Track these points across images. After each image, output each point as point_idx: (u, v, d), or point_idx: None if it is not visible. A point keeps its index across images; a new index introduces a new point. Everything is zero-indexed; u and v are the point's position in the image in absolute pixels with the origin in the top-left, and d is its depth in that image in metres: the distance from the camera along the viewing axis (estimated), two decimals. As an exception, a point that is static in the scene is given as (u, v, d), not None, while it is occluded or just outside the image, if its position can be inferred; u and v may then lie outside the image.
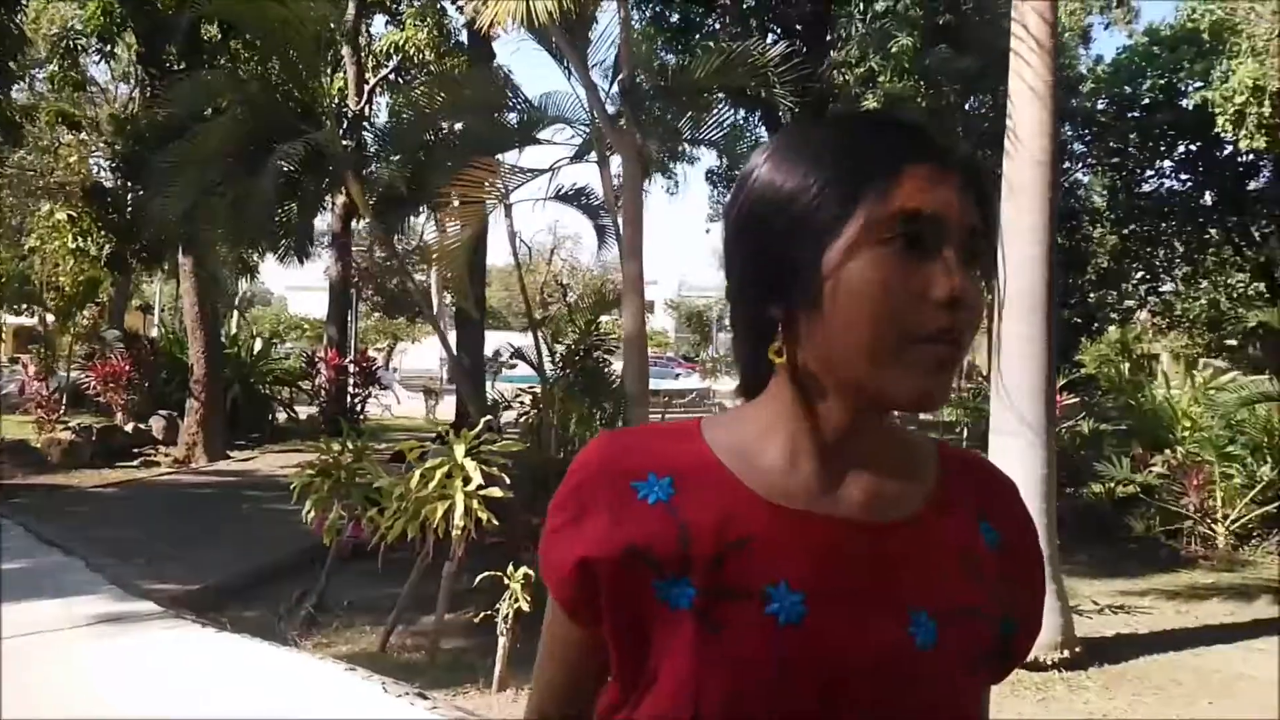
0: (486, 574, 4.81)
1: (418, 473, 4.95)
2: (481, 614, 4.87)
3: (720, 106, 9.19)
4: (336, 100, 13.21)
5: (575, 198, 9.41)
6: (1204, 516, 8.22)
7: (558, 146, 8.76)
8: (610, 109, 7.98)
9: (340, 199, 14.57)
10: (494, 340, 14.80)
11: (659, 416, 9.81)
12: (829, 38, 14.54)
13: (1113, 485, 8.84)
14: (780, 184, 0.76)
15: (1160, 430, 9.34)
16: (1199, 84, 18.09)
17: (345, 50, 15.25)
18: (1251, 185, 21.96)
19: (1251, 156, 19.64)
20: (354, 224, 17.53)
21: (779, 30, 14.66)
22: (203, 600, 6.08)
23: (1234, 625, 5.93)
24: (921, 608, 0.78)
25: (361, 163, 10.09)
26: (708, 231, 24.49)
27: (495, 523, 5.20)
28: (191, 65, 10.88)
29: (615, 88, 8.04)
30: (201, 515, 9.15)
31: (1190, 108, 18.14)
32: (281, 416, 16.43)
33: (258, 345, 17.02)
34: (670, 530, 0.77)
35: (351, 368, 16.65)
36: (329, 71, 12.63)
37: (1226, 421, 8.67)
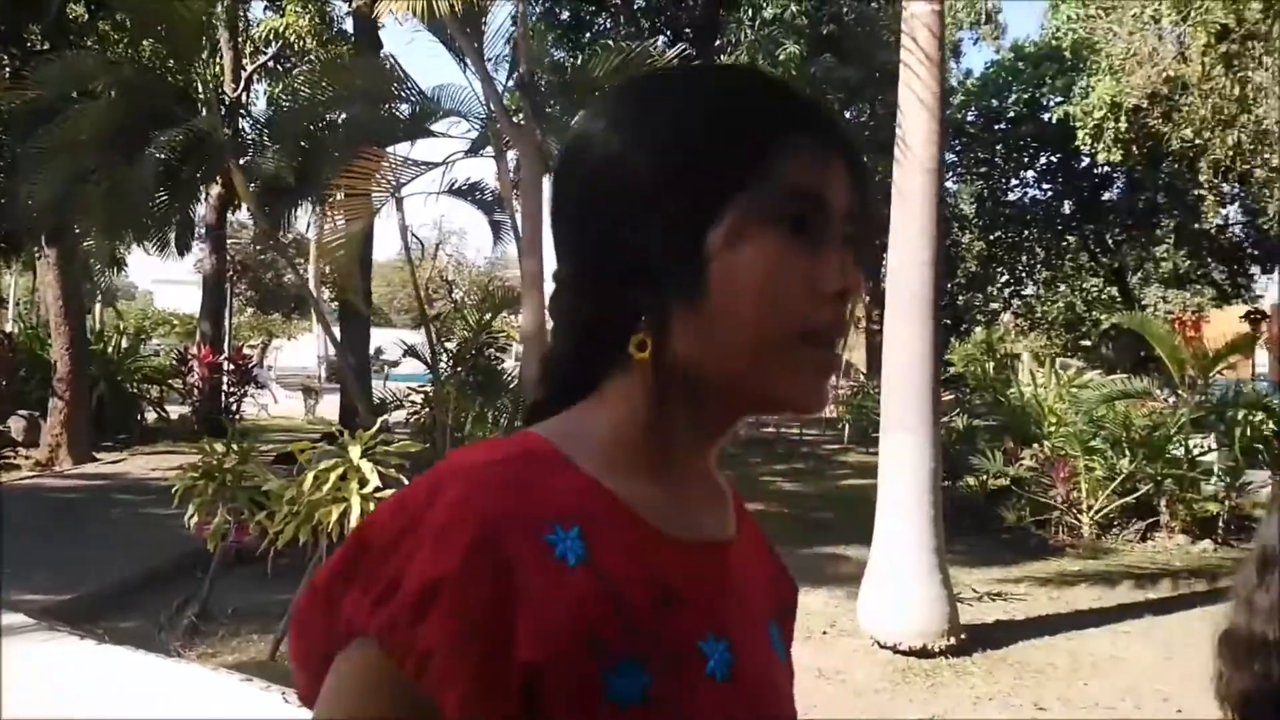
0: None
1: (310, 475, 4.79)
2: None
3: (616, 106, 9.23)
4: (213, 87, 12.62)
5: (470, 192, 9.28)
6: (1070, 507, 8.75)
7: (452, 140, 8.63)
8: (506, 104, 7.90)
9: (215, 189, 13.94)
10: (377, 338, 14.45)
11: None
12: (718, 43, 14.79)
13: (986, 478, 9.31)
14: (641, 145, 0.64)
15: (1029, 426, 9.87)
16: (1060, 99, 19.27)
17: (222, 35, 14.59)
18: (1106, 196, 23.59)
19: (1107, 169, 21.05)
20: (229, 215, 16.80)
21: (669, 33, 14.82)
22: (76, 610, 5.72)
23: (1101, 609, 6.32)
24: (772, 619, 0.75)
25: (240, 151, 9.67)
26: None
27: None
28: (57, 46, 10.21)
29: (512, 82, 7.96)
30: (69, 520, 8.59)
31: (1052, 121, 19.26)
32: (151, 416, 15.59)
33: (125, 341, 16.10)
34: (605, 601, 0.60)
35: (226, 365, 15.95)
36: (205, 57, 12.04)
37: (1089, 417, 9.23)
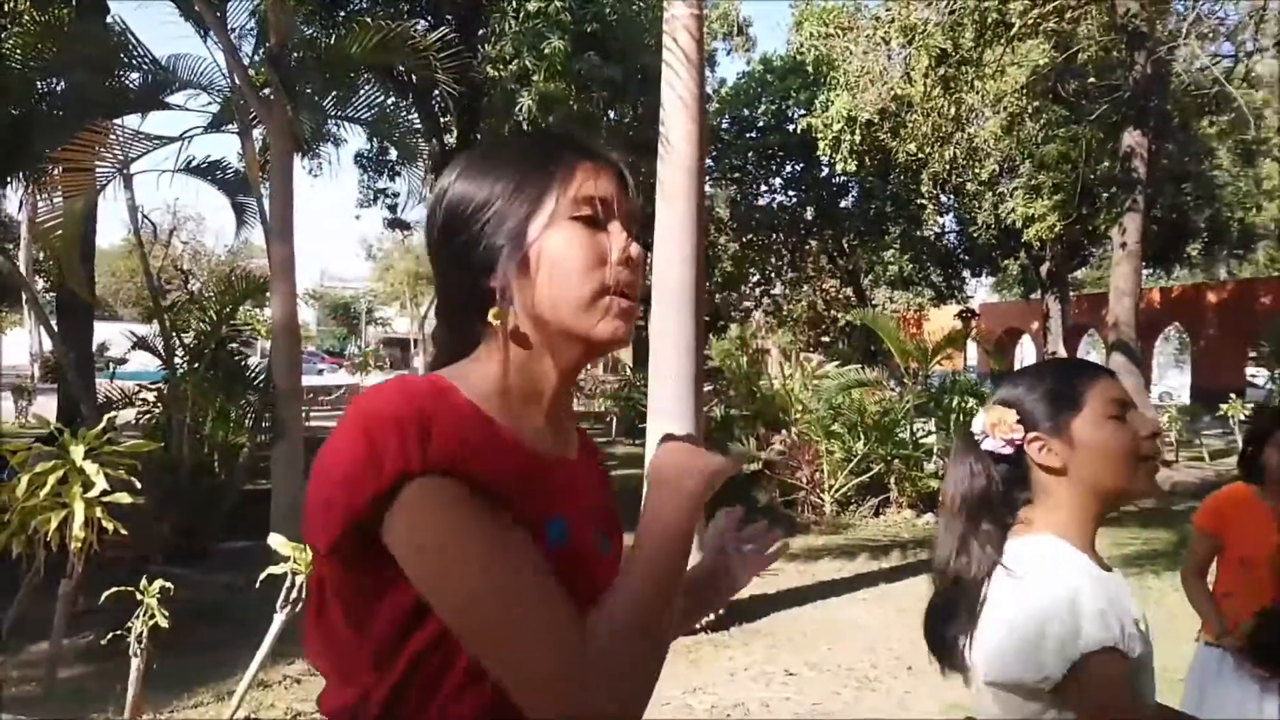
0: (113, 590, 4.21)
1: (24, 479, 4.21)
2: (109, 635, 4.26)
3: (369, 87, 8.83)
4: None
5: (210, 171, 8.52)
6: (814, 487, 9.43)
7: (190, 113, 7.90)
8: (253, 77, 7.35)
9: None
10: (102, 332, 12.98)
11: (303, 414, 9.20)
12: (481, 31, 14.59)
13: (741, 463, 9.82)
14: (481, 186, 0.94)
15: (779, 414, 10.53)
16: (804, 112, 20.66)
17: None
18: (843, 204, 25.57)
19: (844, 178, 22.83)
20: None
21: (430, 18, 14.42)
22: None
23: (842, 580, 6.86)
24: (599, 526, 1.00)
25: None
26: (358, 218, 23.56)
27: (123, 532, 4.58)
28: None
29: (259, 56, 7.42)
30: None
31: (797, 132, 20.62)
32: None
33: None
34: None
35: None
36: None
37: (829, 405, 9.99)
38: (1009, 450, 1.38)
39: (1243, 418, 13.81)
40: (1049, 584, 1.27)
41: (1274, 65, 18.41)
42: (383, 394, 0.86)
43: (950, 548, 1.40)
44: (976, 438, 1.42)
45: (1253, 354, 25.56)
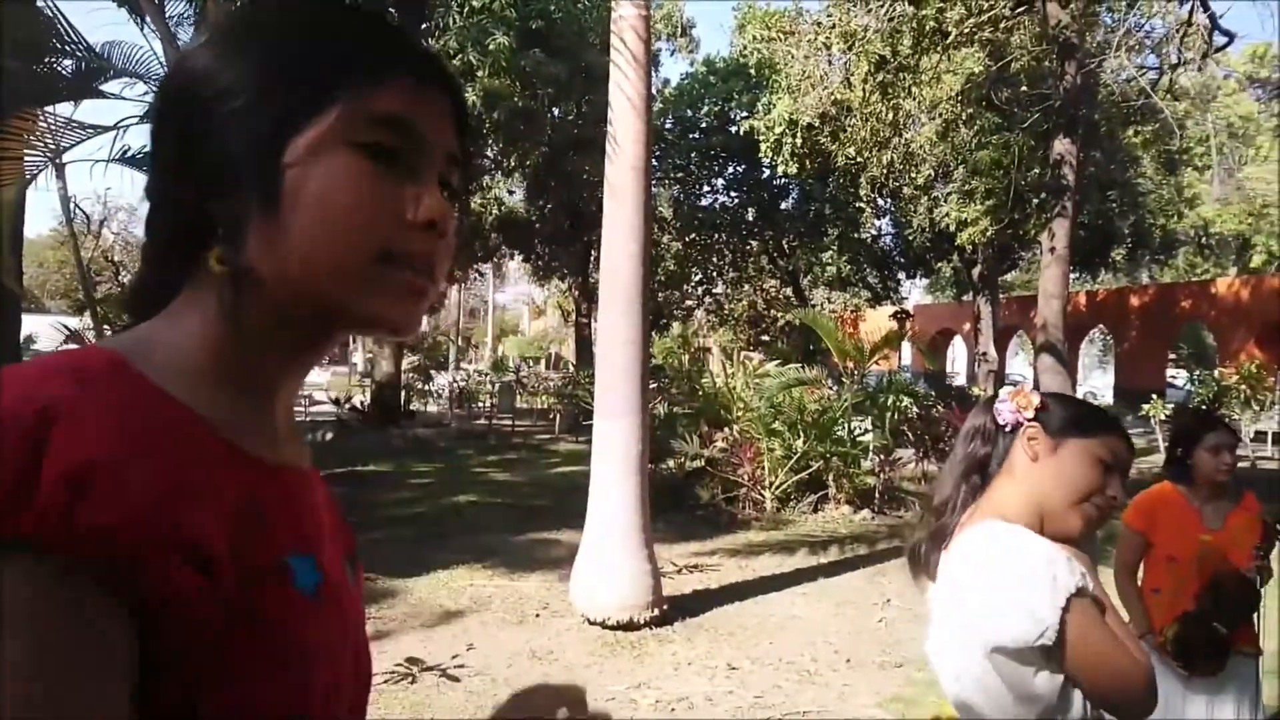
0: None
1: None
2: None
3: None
4: None
5: (145, 161, 8.30)
6: (755, 484, 9.57)
7: (126, 102, 7.71)
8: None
9: None
10: (29, 324, 12.59)
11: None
12: (424, 26, 14.46)
13: (684, 460, 9.93)
14: (230, 65, 0.64)
15: (721, 412, 10.66)
16: (746, 114, 20.88)
17: None
18: (784, 205, 25.92)
19: (785, 180, 23.14)
20: None
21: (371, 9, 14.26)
22: None
23: (782, 574, 6.99)
24: (341, 551, 0.75)
25: None
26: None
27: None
28: None
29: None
30: None
31: (739, 134, 20.82)
32: None
33: None
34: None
35: None
36: None
37: (770, 403, 10.15)
38: (1010, 423, 1.57)
39: (1163, 417, 14.38)
40: (1021, 551, 1.43)
41: (1197, 78, 19.17)
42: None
43: (947, 490, 1.62)
44: (997, 403, 1.60)
45: (1173, 356, 26.61)
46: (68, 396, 0.54)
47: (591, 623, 5.55)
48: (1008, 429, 1.57)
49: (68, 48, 7.25)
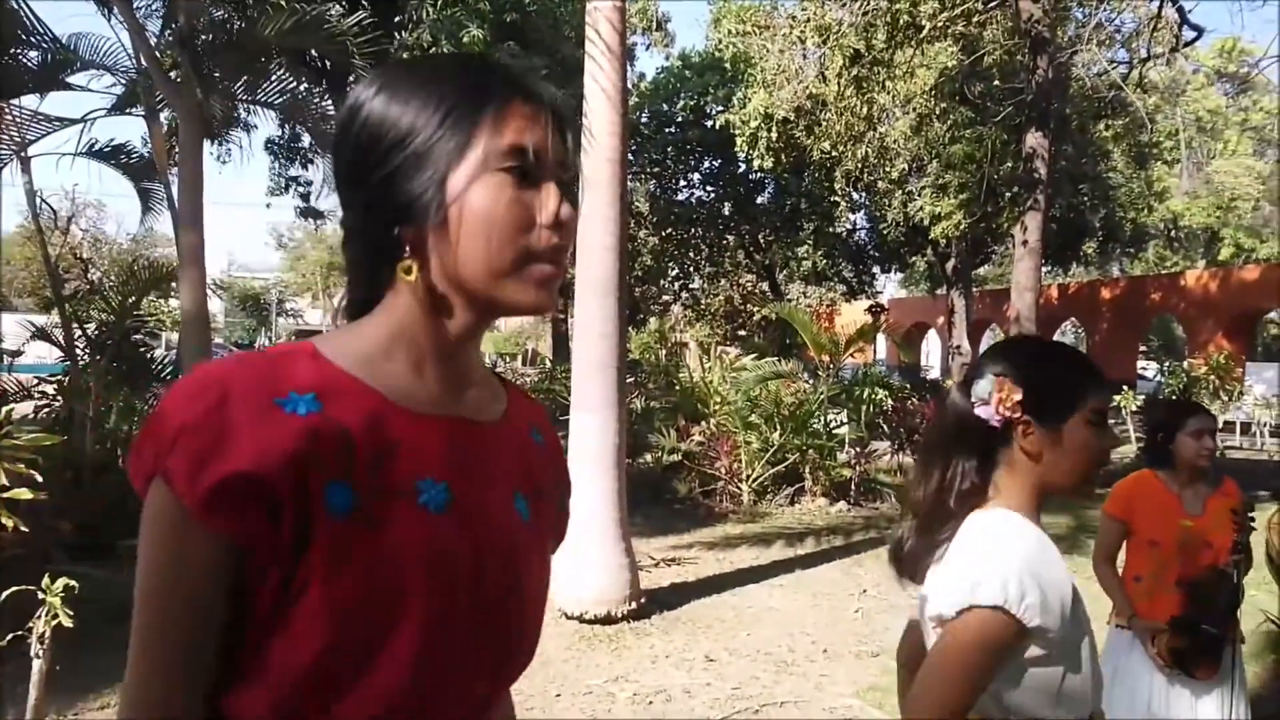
0: (12, 590, 4.05)
1: (-86, 475, 4.01)
2: (9, 636, 4.09)
3: (282, 71, 8.59)
4: None
5: (113, 155, 8.19)
6: (732, 477, 9.59)
7: (92, 94, 7.58)
8: (160, 59, 7.08)
9: None
10: (-6, 321, 12.37)
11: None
12: (398, 19, 14.33)
13: (662, 454, 9.94)
14: (399, 116, 0.84)
15: (698, 406, 10.67)
16: (722, 108, 20.88)
17: None
18: (759, 200, 25.95)
19: (760, 174, 23.17)
20: None
21: (346, 3, 14.09)
22: None
23: (759, 567, 7.01)
24: (518, 490, 0.95)
25: None
26: (269, 206, 22.92)
27: (23, 530, 4.40)
28: None
29: (168, 36, 7.15)
30: None
31: (714, 128, 20.81)
32: None
33: None
34: (330, 435, 0.79)
35: None
36: None
37: (747, 396, 10.17)
38: (998, 422, 1.44)
39: (1134, 409, 14.55)
40: (970, 536, 1.40)
41: (1166, 72, 19.38)
42: (192, 378, 0.80)
43: (930, 490, 1.49)
44: (975, 401, 1.46)
45: (1143, 348, 26.93)
46: (305, 379, 0.81)
47: (569, 617, 5.54)
48: (996, 427, 1.45)
49: (33, 39, 7.13)
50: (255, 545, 0.77)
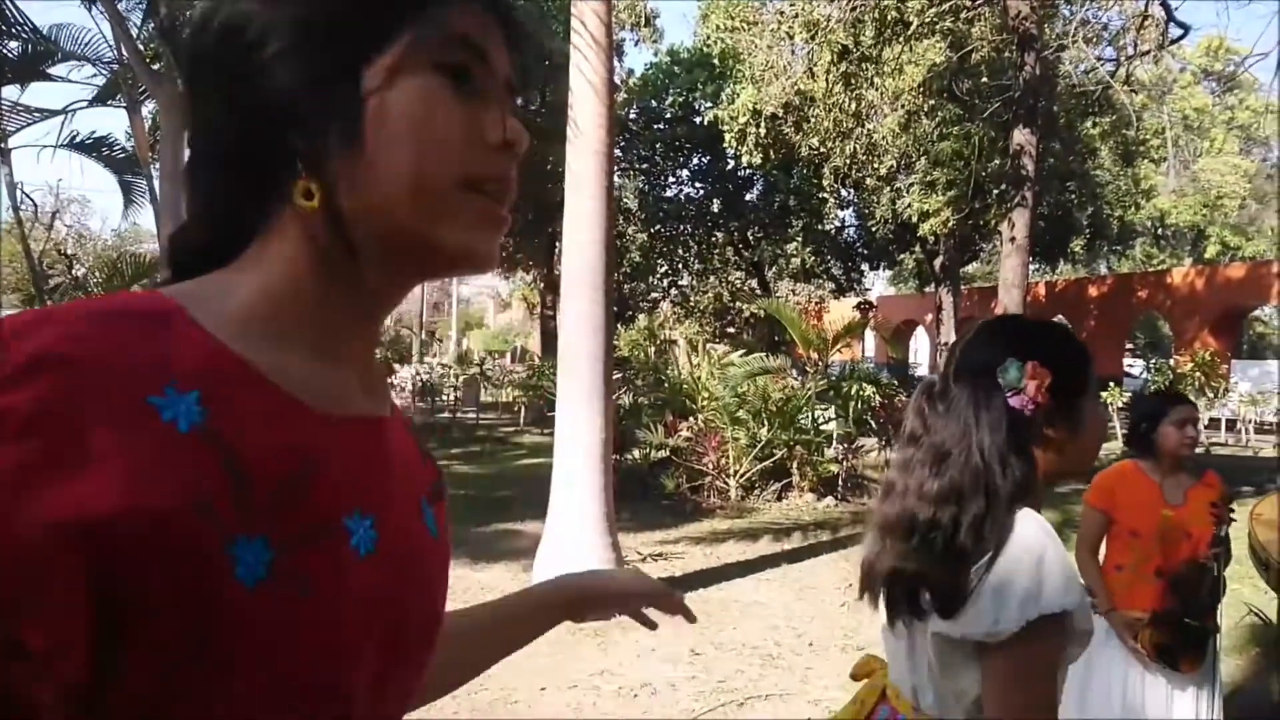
0: None
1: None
2: None
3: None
4: None
5: (95, 147, 8.12)
6: (720, 473, 9.59)
7: (73, 85, 7.52)
8: (142, 50, 7.02)
9: None
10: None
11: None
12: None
13: (650, 450, 9.92)
14: None
15: (686, 402, 10.66)
16: (710, 104, 20.87)
17: None
18: (748, 196, 25.96)
19: (749, 171, 23.18)
20: None
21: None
22: None
23: (746, 561, 7.00)
24: (424, 498, 0.73)
25: None
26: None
27: None
28: None
29: (151, 28, 7.09)
30: None
31: (704, 124, 20.80)
32: None
33: None
34: (219, 470, 0.53)
35: None
36: None
37: (734, 392, 10.17)
38: (1031, 411, 1.31)
39: (1120, 405, 14.63)
40: (1017, 543, 1.26)
41: (1153, 70, 19.46)
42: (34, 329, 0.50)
43: (938, 500, 1.30)
44: (1007, 387, 1.32)
45: (1130, 345, 27.06)
46: (184, 363, 0.54)
47: (555, 611, 5.51)
48: (1029, 412, 1.31)
49: (13, 30, 7.06)
50: (64, 630, 0.48)
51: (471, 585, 6.18)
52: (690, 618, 1.07)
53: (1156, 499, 2.87)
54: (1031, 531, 1.27)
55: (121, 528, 0.48)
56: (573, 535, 5.61)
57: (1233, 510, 2.71)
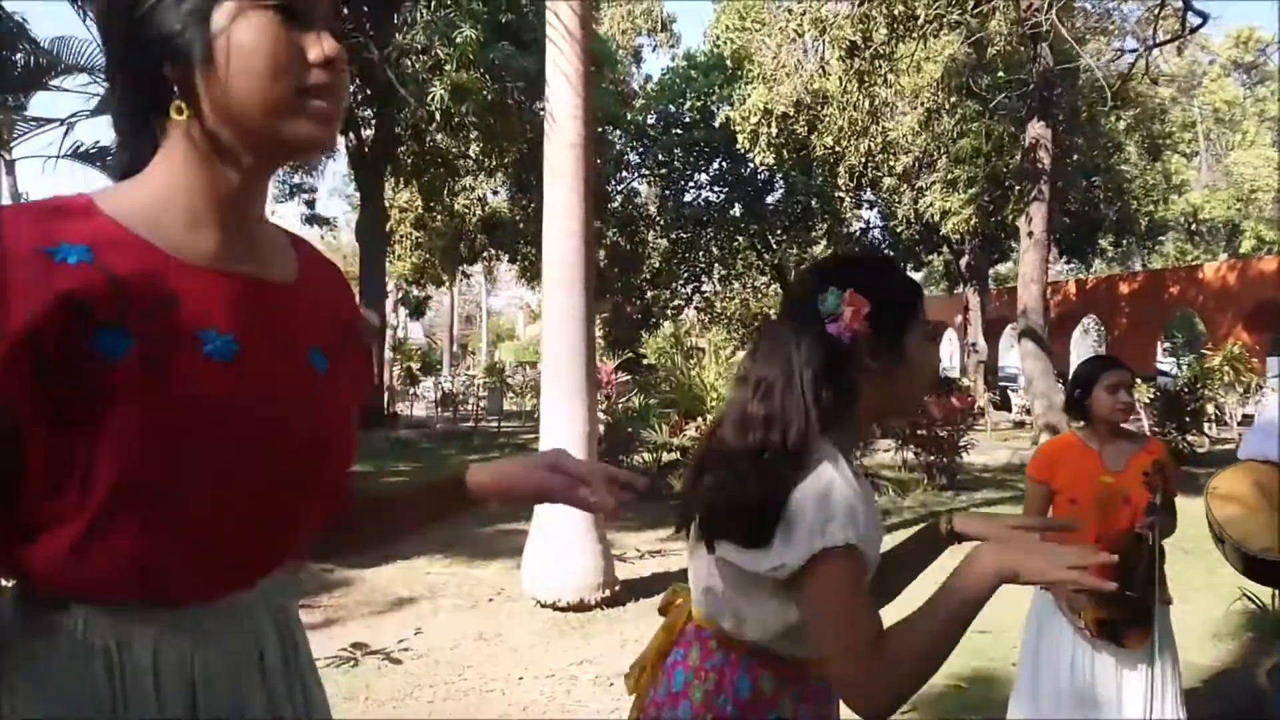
0: None
1: None
2: None
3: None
4: None
5: (99, 157, 8.27)
6: (727, 472, 9.48)
7: (76, 96, 7.67)
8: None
9: None
10: None
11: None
12: (395, 20, 14.44)
13: (659, 452, 9.86)
14: None
15: (695, 402, 10.59)
16: (726, 106, 20.84)
17: None
18: (770, 200, 25.85)
19: (768, 173, 23.08)
20: None
21: (344, 9, 14.24)
22: None
23: (743, 556, 6.91)
24: (314, 346, 0.96)
25: None
26: (273, 213, 23.31)
27: None
28: None
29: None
30: None
31: (721, 128, 20.74)
32: None
33: None
34: (101, 281, 0.78)
35: None
36: None
37: (744, 391, 10.05)
38: (847, 339, 1.28)
39: (1146, 401, 14.31)
40: (809, 479, 1.22)
41: (1179, 62, 19.12)
42: None
43: (757, 426, 1.27)
44: (825, 315, 1.29)
45: (1165, 345, 26.52)
46: (79, 233, 0.79)
47: (543, 605, 5.48)
48: (846, 340, 1.28)
49: (15, 42, 7.21)
50: (22, 403, 0.76)
51: (465, 582, 6.19)
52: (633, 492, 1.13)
53: (1096, 467, 2.78)
54: (824, 467, 1.23)
55: (24, 328, 0.74)
56: (559, 529, 5.57)
57: (1164, 474, 2.58)
